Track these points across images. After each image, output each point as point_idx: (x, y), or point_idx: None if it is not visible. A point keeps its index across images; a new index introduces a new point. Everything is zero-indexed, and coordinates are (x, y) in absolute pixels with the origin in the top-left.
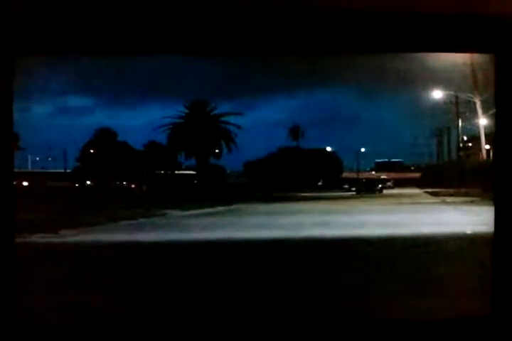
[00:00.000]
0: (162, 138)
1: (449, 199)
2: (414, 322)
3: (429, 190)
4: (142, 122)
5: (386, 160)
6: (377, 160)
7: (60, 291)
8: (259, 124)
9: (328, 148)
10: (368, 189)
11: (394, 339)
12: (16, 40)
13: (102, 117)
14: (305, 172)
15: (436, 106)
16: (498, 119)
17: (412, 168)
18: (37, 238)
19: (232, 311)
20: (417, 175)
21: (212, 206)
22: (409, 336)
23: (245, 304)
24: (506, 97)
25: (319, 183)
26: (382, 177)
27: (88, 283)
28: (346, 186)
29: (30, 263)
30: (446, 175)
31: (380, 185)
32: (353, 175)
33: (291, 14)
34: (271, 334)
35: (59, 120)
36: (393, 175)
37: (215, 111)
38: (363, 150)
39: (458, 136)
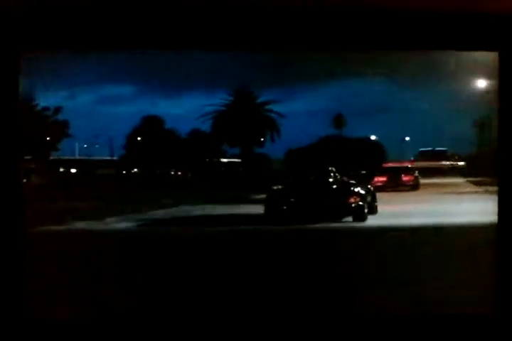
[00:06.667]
0: (205, 126)
1: (491, 188)
2: (417, 316)
3: (472, 179)
4: (184, 110)
5: (430, 149)
6: (421, 149)
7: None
8: (300, 113)
9: (372, 137)
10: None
11: (394, 333)
12: (21, 34)
13: (145, 105)
14: (348, 161)
15: (479, 95)
16: (501, 116)
17: (456, 157)
18: (82, 225)
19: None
20: (460, 164)
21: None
22: (410, 331)
23: None
24: (510, 95)
25: (363, 172)
26: (388, 165)
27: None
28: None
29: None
30: (489, 164)
31: (358, 189)
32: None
33: (305, 9)
34: None
35: (103, 108)
36: (436, 163)
37: (258, 100)
38: (407, 138)
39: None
